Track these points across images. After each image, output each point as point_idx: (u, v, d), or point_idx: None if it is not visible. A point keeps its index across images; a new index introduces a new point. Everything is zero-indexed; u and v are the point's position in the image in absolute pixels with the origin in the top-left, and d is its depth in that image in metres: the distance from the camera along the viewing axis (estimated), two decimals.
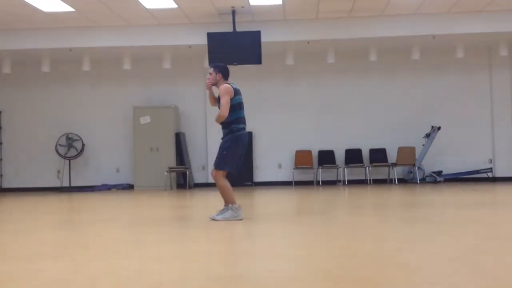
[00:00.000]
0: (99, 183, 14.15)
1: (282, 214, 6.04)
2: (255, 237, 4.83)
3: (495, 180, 13.55)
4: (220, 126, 6.02)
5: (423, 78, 13.96)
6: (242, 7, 11.48)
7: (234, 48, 11.83)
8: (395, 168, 13.40)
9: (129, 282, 2.89)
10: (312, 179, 13.84)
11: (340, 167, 13.76)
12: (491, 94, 13.82)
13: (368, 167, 13.61)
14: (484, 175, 13.55)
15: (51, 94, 14.45)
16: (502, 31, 12.24)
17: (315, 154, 13.89)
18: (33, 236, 5.03)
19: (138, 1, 10.93)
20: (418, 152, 13.41)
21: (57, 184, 14.21)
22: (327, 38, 12.53)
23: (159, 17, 12.05)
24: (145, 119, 13.78)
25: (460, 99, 13.87)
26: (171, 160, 13.60)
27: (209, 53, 11.90)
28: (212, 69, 6.15)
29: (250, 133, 13.73)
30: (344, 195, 10.17)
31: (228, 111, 5.82)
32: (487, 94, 13.84)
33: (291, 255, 3.75)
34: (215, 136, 13.94)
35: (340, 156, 13.87)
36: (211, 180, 13.77)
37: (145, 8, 11.35)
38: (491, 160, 13.81)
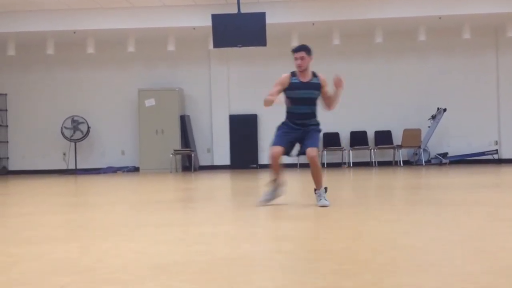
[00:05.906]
0: (104, 166, 14.20)
1: (286, 196, 6.05)
2: (259, 219, 4.85)
3: (500, 162, 13.52)
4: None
5: (429, 59, 13.87)
6: None
7: (238, 30, 11.77)
8: (400, 150, 13.38)
9: (134, 264, 2.91)
10: None
11: (345, 149, 13.75)
12: (498, 76, 13.73)
13: (373, 149, 13.59)
14: (490, 157, 13.52)
15: (56, 76, 14.46)
16: (509, 12, 12.13)
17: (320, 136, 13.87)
18: (39, 218, 5.06)
19: None
20: (423, 134, 13.38)
21: (63, 166, 14.27)
22: (332, 20, 12.44)
23: None
24: (150, 102, 13.77)
25: (466, 80, 13.79)
26: (176, 143, 13.61)
27: (214, 35, 11.85)
28: (302, 52, 5.38)
29: (255, 115, 13.76)
30: (349, 177, 10.16)
31: None
32: (493, 75, 13.75)
33: (296, 236, 3.76)
34: (220, 118, 14.00)
35: (345, 138, 13.86)
36: (216, 162, 13.79)
37: None
38: (496, 142, 13.76)
